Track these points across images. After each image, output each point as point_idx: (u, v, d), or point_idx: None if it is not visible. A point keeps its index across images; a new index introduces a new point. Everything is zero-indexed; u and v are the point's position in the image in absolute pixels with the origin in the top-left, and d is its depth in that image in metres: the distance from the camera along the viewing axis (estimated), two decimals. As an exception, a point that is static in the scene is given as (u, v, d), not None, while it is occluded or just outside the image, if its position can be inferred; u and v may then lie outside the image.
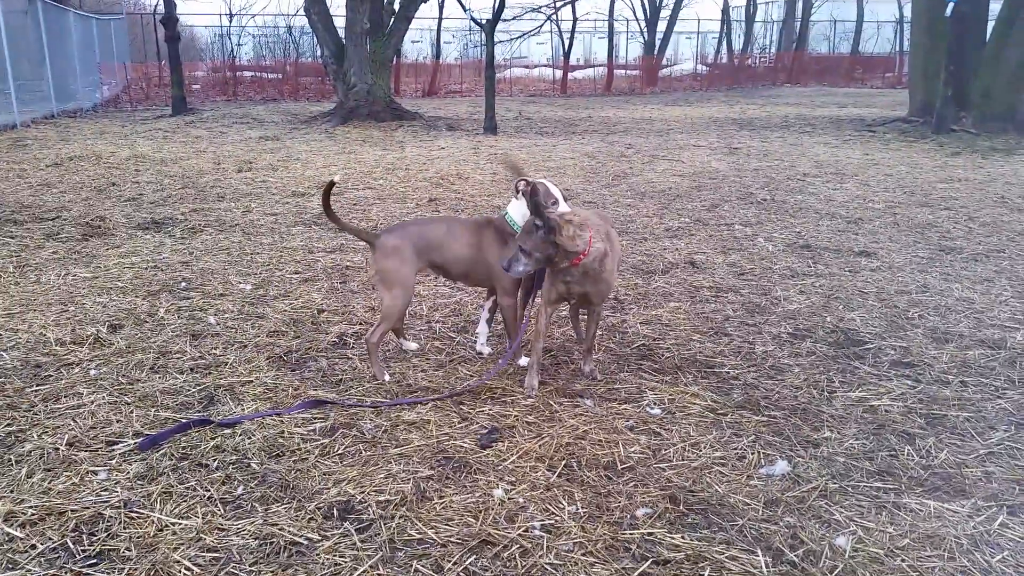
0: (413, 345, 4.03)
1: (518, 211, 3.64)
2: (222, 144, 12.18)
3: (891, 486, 2.74)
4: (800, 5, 36.16)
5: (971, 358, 3.84)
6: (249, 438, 3.04)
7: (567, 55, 29.93)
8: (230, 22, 30.43)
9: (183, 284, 4.98)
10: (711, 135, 13.69)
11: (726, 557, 2.35)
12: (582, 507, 2.62)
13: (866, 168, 9.80)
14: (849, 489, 2.72)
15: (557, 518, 2.56)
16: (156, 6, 24.17)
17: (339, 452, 2.95)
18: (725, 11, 36.32)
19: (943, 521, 2.54)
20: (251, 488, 2.72)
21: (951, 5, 12.59)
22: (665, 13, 34.77)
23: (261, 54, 30.04)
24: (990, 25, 13.65)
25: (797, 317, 4.44)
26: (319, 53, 17.85)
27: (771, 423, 3.20)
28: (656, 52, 33.99)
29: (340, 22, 16.10)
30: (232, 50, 27.88)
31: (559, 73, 29.41)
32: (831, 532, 2.47)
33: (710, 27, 38.25)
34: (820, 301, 4.71)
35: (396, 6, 16.53)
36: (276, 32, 30.11)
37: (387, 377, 3.63)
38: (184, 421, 3.16)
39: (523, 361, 3.78)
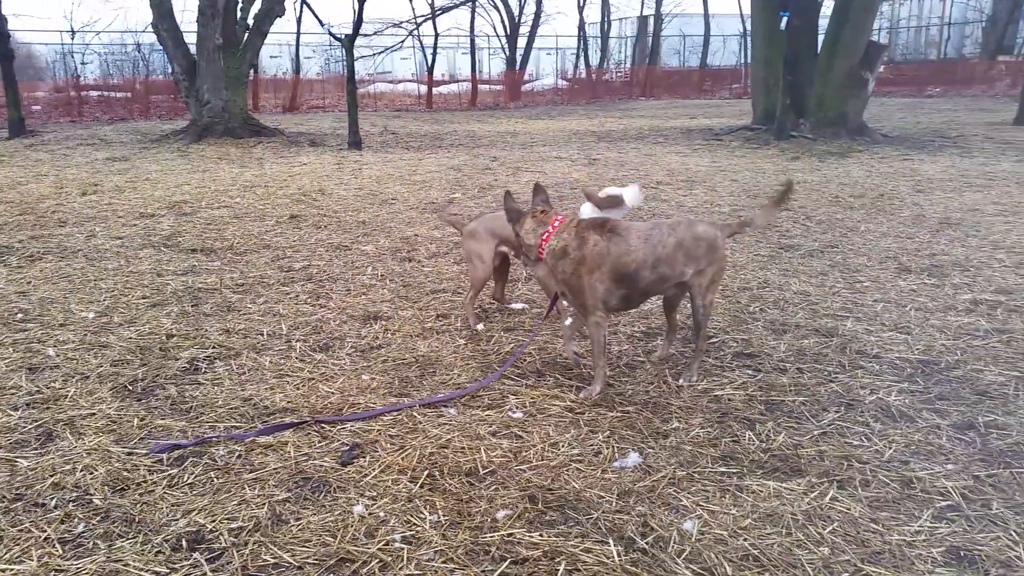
0: (481, 326, 4.58)
1: (586, 212, 4.17)
2: (65, 167, 11.48)
3: (734, 470, 2.90)
4: (651, 21, 37.76)
5: (806, 346, 4.12)
6: (91, 473, 2.88)
7: (431, 70, 30.01)
8: (72, 39, 28.75)
9: (19, 316, 4.66)
10: (572, 147, 14.07)
11: (581, 550, 2.42)
12: (444, 515, 2.63)
13: (713, 175, 10.33)
14: (695, 475, 2.86)
15: (418, 528, 2.56)
16: (-15, 22, 22.47)
17: (189, 482, 2.83)
18: (581, 27, 37.45)
19: (781, 499, 2.71)
20: (93, 525, 2.57)
21: (784, 18, 13.49)
22: (525, 29, 35.50)
23: (108, 72, 28.49)
24: (821, 38, 14.70)
25: (649, 317, 4.64)
26: (170, 70, 17.13)
27: (625, 418, 3.32)
28: (518, 67, 34.62)
29: (192, 38, 15.51)
30: (76, 69, 26.30)
31: (424, 88, 29.44)
32: (679, 517, 2.59)
33: (568, 43, 39.37)
34: (671, 300, 4.93)
35: (250, 21, 16.09)
36: (124, 49, 28.67)
37: (480, 327, 4.48)
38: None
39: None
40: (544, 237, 3.53)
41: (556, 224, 3.53)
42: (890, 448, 3.05)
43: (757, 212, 3.67)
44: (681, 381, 3.67)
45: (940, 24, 35.69)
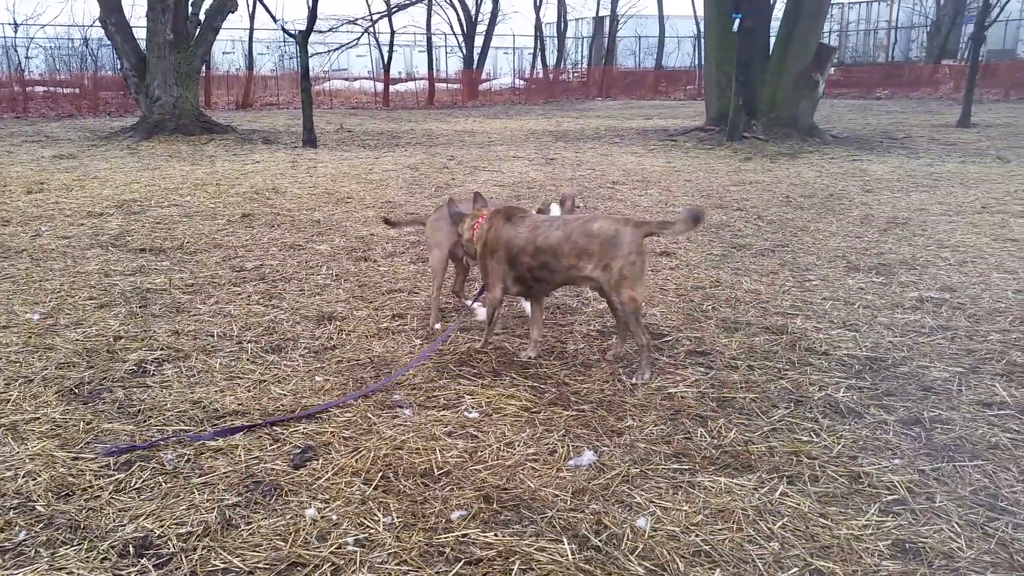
0: (439, 326, 4.61)
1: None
2: (9, 164, 11.15)
3: (686, 466, 2.93)
4: (607, 22, 37.99)
5: (757, 344, 4.18)
6: (34, 479, 2.80)
7: (387, 68, 29.81)
8: (15, 32, 27.92)
9: (-43, 318, 4.51)
10: (529, 147, 14.10)
11: (535, 549, 2.42)
12: (398, 517, 2.62)
13: (668, 175, 10.44)
14: (649, 472, 2.88)
15: (372, 531, 2.54)
16: (-77, 13, 21.77)
17: (136, 486, 2.77)
18: (538, 27, 37.52)
19: (732, 495, 2.74)
20: (35, 532, 2.50)
21: (736, 20, 13.68)
22: (481, 28, 35.47)
23: (55, 67, 27.77)
24: (772, 40, 14.93)
25: (604, 316, 4.66)
26: (119, 66, 16.75)
27: (580, 416, 3.34)
28: (475, 66, 34.57)
29: (141, 33, 15.19)
30: (20, 63, 25.58)
31: (380, 86, 29.22)
32: (632, 515, 2.61)
33: (525, 43, 39.44)
34: (626, 299, 4.97)
35: (202, 16, 15.81)
36: (71, 44, 27.97)
37: (439, 326, 4.49)
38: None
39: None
40: (474, 228, 3.99)
41: (483, 218, 3.98)
42: (838, 444, 3.11)
43: (680, 219, 3.70)
44: (634, 380, 3.70)
45: (888, 28, 36.54)
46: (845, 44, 37.28)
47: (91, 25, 26.38)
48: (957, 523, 2.58)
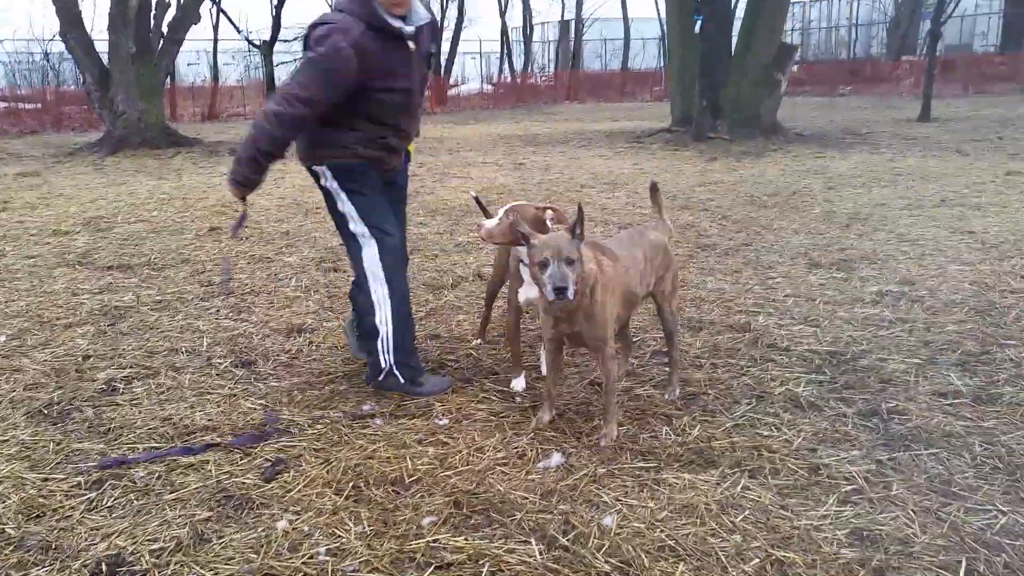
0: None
1: None
2: (-30, 183, 11.00)
3: (652, 464, 3.00)
4: (573, 25, 38.22)
5: (721, 342, 4.27)
6: (3, 501, 2.81)
7: (354, 76, 29.71)
8: (-27, 48, 27.48)
9: (-79, 342, 4.47)
10: (498, 152, 14.14)
11: (504, 551, 2.48)
12: (369, 525, 2.66)
13: (636, 177, 10.53)
14: (616, 472, 2.95)
15: (343, 540, 2.58)
16: None
17: (108, 505, 2.79)
18: (504, 32, 37.66)
19: (696, 491, 2.81)
20: (5, 555, 2.51)
21: (698, 22, 13.84)
22: (448, 34, 35.50)
23: (16, 82, 27.35)
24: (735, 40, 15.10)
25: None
26: (81, 80, 16.56)
27: (549, 420, 3.39)
28: (443, 72, 34.58)
29: (103, 46, 15.05)
30: (-22, 79, 25.20)
31: (348, 94, 29.12)
32: (599, 513, 2.68)
33: (492, 48, 39.53)
34: (594, 302, 5.04)
35: (164, 28, 15.71)
36: (31, 59, 27.57)
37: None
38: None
39: (517, 384, 3.76)
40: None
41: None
42: (799, 437, 3.20)
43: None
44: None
45: (848, 25, 37.14)
46: (807, 42, 37.83)
47: (51, 40, 26.06)
48: (912, 510, 2.67)
